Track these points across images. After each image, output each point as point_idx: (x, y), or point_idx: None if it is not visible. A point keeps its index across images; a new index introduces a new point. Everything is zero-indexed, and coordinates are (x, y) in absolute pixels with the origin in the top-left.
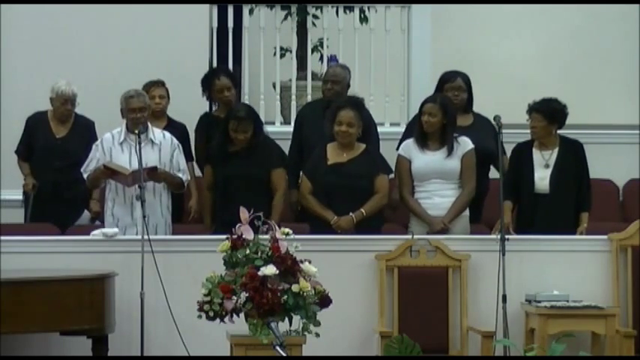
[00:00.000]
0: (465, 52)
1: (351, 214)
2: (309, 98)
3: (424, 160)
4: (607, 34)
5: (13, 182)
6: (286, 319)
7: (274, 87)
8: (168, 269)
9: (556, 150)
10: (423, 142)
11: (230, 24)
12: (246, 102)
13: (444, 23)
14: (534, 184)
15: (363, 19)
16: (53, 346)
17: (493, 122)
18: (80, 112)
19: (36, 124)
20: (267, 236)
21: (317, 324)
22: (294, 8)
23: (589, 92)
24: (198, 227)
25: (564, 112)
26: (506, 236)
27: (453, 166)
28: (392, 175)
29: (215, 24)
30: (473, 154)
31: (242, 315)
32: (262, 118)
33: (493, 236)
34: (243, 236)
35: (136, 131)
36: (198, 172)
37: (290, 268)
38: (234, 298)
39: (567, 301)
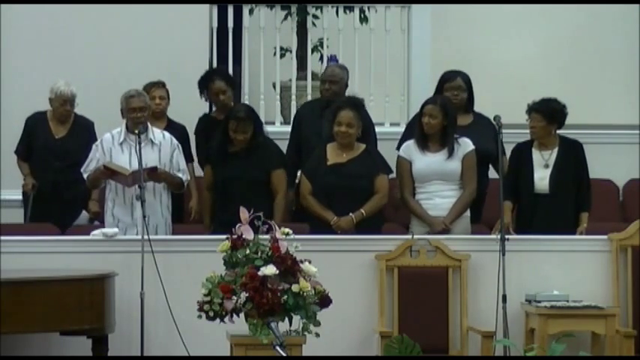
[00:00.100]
0: (464, 52)
1: (350, 214)
2: (309, 98)
3: (425, 161)
4: (607, 34)
5: (13, 182)
6: (286, 319)
7: (274, 87)
8: (168, 269)
9: (555, 150)
10: (424, 144)
11: (230, 24)
12: (246, 102)
13: (444, 23)
14: (534, 184)
15: (363, 19)
16: (53, 346)
17: (493, 122)
18: (80, 113)
19: (35, 124)
20: (267, 236)
21: (317, 324)
22: (294, 8)
23: (589, 92)
24: (198, 227)
25: (564, 112)
26: (506, 236)
27: (453, 167)
28: (393, 175)
29: (215, 24)
30: (474, 155)
31: (242, 315)
32: (262, 118)
33: (493, 236)
34: (243, 236)
35: (136, 131)
36: (198, 173)
37: (290, 268)
38: (234, 298)
39: (567, 301)
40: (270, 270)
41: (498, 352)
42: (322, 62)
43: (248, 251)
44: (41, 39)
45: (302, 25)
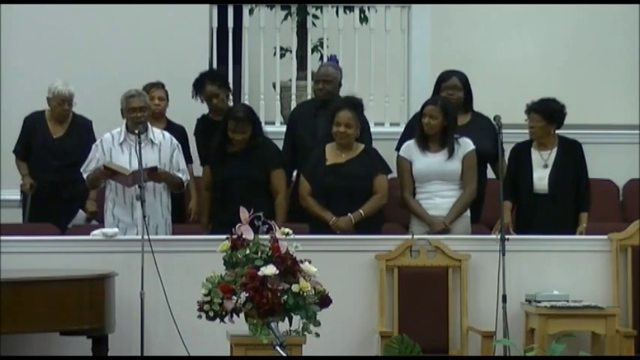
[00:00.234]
0: (464, 52)
1: (349, 214)
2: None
3: (425, 162)
4: (607, 34)
5: (12, 182)
6: (286, 319)
7: (274, 87)
8: (168, 269)
9: (555, 150)
10: (424, 144)
11: (230, 24)
12: (246, 102)
13: (444, 23)
14: (533, 184)
15: (363, 19)
16: (53, 346)
17: (493, 122)
18: (81, 113)
19: (33, 123)
20: (267, 236)
21: (317, 324)
22: (294, 8)
23: (589, 92)
24: (199, 227)
25: (563, 112)
26: (506, 236)
27: (453, 167)
28: (392, 175)
29: (215, 24)
30: (474, 155)
31: (242, 315)
32: (262, 118)
33: (493, 236)
34: (243, 236)
35: (136, 131)
36: (197, 174)
37: (290, 268)
38: (234, 298)
39: (567, 301)
40: (270, 270)
41: (498, 352)
42: (322, 62)
43: (248, 251)
44: (41, 39)
45: (302, 25)
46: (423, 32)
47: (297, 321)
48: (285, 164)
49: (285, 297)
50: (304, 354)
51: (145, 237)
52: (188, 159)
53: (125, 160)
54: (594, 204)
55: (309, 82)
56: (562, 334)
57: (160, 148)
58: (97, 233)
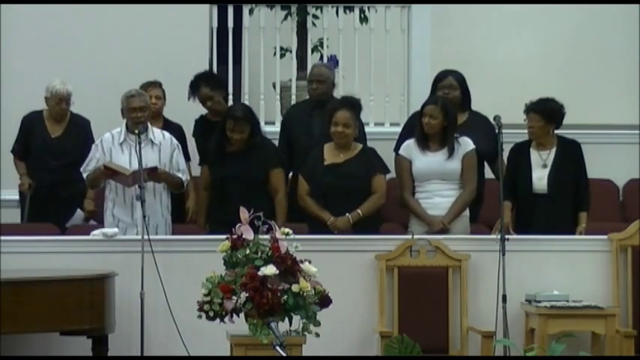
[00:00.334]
0: (464, 52)
1: (347, 214)
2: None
3: (425, 161)
4: (607, 34)
5: (11, 182)
6: (286, 319)
7: (274, 87)
8: (168, 269)
9: (554, 150)
10: (424, 144)
11: (230, 24)
12: (246, 102)
13: (444, 23)
14: (532, 184)
15: (363, 19)
16: (53, 346)
17: (493, 122)
18: (80, 113)
19: (31, 123)
20: (267, 236)
21: (317, 324)
22: (294, 8)
23: (589, 92)
24: (198, 227)
25: (562, 111)
26: (506, 236)
27: (453, 167)
28: (391, 175)
29: (215, 24)
30: (474, 154)
31: (242, 315)
32: (262, 118)
33: (493, 236)
34: (243, 236)
35: (136, 131)
36: (195, 173)
37: (290, 268)
38: (234, 298)
39: (567, 301)
40: (270, 270)
41: (498, 352)
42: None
43: (248, 251)
44: (41, 39)
45: (302, 25)
46: (422, 32)
47: (297, 321)
48: (284, 163)
49: (285, 297)
50: (304, 354)
51: (145, 237)
52: (186, 157)
53: (125, 160)
54: (594, 204)
55: None
56: (562, 334)
57: (160, 148)
58: (97, 233)
